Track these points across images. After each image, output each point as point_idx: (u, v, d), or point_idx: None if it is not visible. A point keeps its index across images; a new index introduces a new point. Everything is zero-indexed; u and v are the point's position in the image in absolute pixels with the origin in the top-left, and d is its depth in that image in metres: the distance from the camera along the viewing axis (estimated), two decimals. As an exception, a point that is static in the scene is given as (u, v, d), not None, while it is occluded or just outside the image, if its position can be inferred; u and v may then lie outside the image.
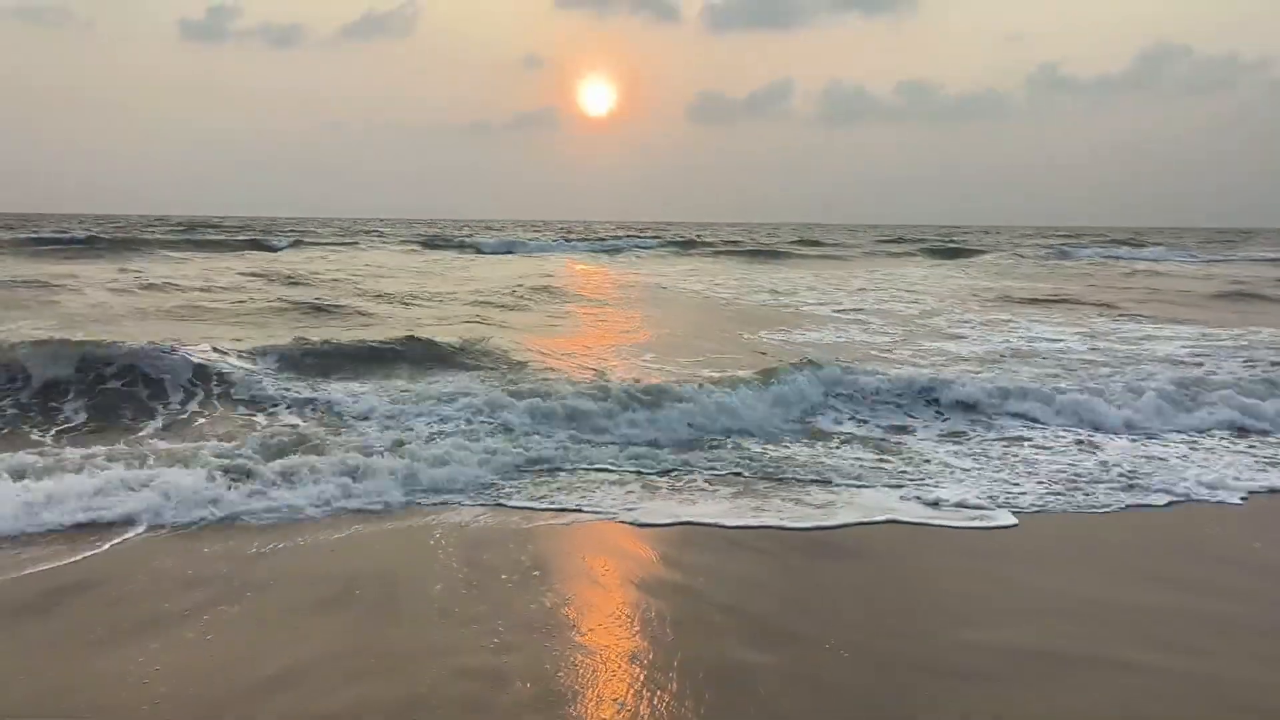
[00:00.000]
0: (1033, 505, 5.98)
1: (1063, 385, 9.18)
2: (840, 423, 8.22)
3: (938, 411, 8.54)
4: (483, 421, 7.51)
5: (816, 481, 6.45)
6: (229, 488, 5.69)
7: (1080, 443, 7.68)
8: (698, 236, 59.55)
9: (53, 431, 7.21)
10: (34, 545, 4.95)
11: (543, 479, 6.39)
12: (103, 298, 16.44)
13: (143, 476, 5.72)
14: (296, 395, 8.14)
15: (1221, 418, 8.33)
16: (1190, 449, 7.52)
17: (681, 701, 3.45)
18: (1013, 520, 5.70)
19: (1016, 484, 6.44)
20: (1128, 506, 6.01)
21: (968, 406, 8.59)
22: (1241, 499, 6.24)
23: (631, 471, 6.60)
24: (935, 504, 5.97)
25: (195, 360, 8.44)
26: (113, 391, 7.90)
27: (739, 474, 6.60)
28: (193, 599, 4.31)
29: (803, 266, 34.21)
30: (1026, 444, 7.64)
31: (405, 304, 16.98)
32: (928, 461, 7.04)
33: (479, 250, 40.18)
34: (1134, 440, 7.77)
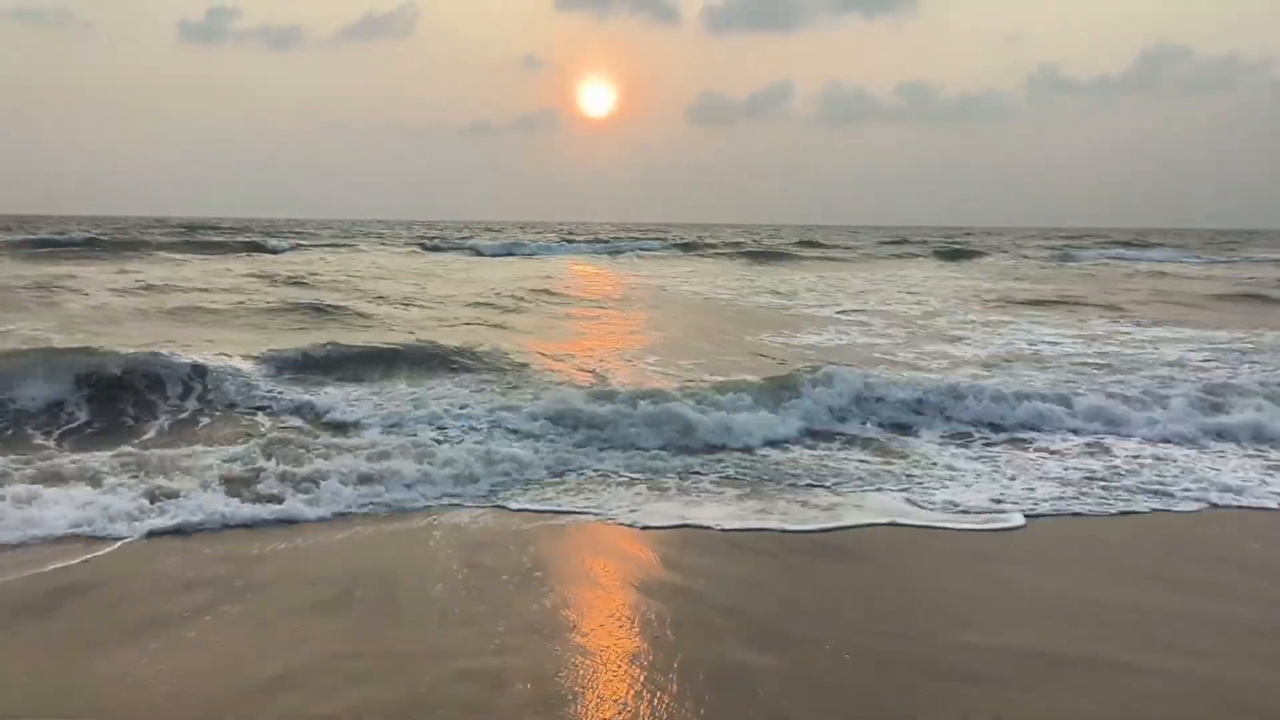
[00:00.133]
0: (1034, 507, 5.98)
1: (1079, 389, 9.08)
2: (846, 424, 8.14)
3: (945, 415, 8.42)
4: (485, 426, 7.48)
5: (819, 484, 6.45)
6: (233, 493, 5.68)
7: (1087, 446, 7.61)
8: (699, 238, 59.59)
9: (56, 434, 7.19)
10: (35, 546, 4.95)
11: (547, 482, 6.38)
12: (103, 299, 16.44)
13: (145, 487, 5.73)
14: (298, 399, 8.13)
15: (1246, 419, 8.08)
16: (1200, 452, 7.45)
17: (682, 703, 3.45)
18: (1014, 523, 5.70)
19: (1020, 487, 6.42)
20: (1129, 510, 5.99)
21: (978, 410, 8.39)
22: (1265, 505, 6.15)
23: (634, 475, 6.58)
24: (936, 506, 5.97)
25: (197, 365, 8.42)
26: (116, 397, 7.86)
27: (742, 477, 6.60)
28: (193, 600, 4.32)
29: (804, 268, 34.23)
30: (1031, 447, 7.60)
31: (406, 306, 16.98)
32: (932, 464, 7.03)
33: (479, 252, 40.20)
34: (1142, 444, 7.69)
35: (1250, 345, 13.25)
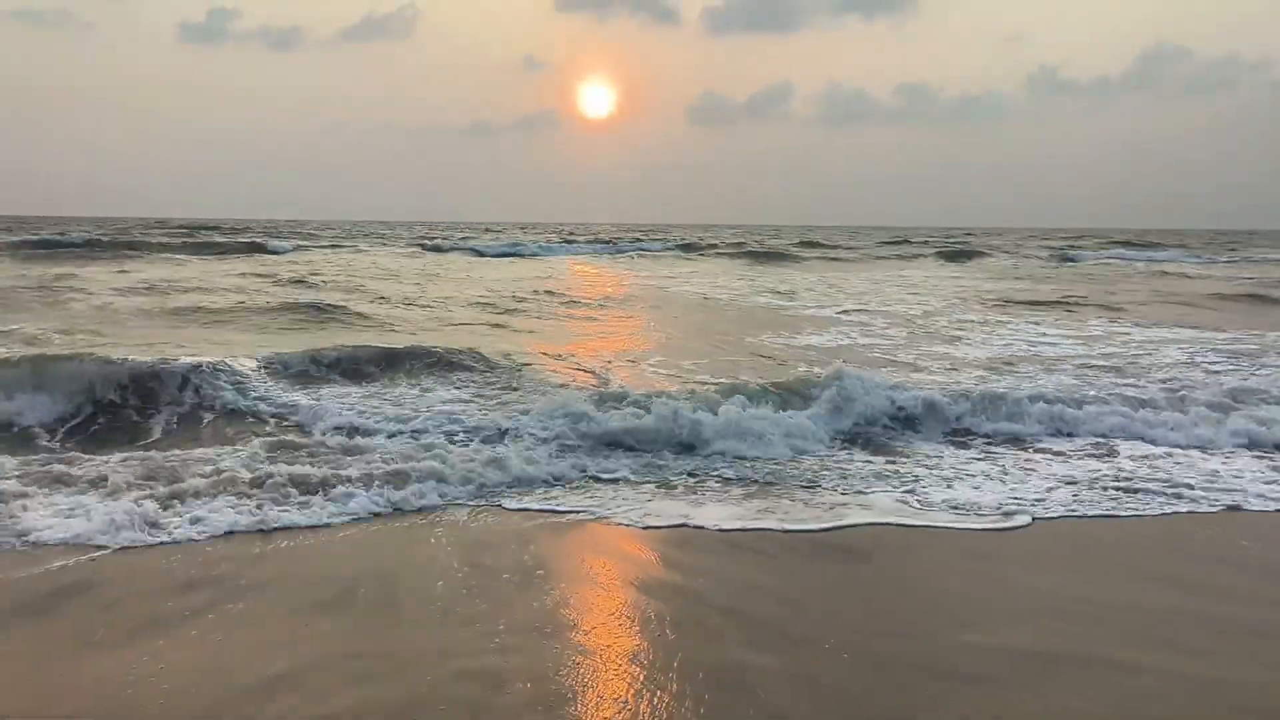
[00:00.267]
0: (1036, 508, 5.97)
1: (1081, 391, 9.06)
2: (857, 427, 8.02)
3: (952, 416, 8.25)
4: (489, 428, 7.41)
5: (821, 484, 6.46)
6: (236, 498, 5.68)
7: (1093, 448, 7.58)
8: (699, 239, 59.59)
9: (58, 438, 7.19)
10: (35, 546, 4.95)
11: (548, 483, 6.37)
12: (104, 300, 16.46)
13: (147, 493, 5.72)
14: (301, 402, 8.10)
15: (1255, 422, 7.98)
16: (1206, 454, 7.39)
17: (681, 702, 3.45)
18: (1015, 523, 5.70)
19: (1024, 488, 6.40)
20: (1133, 513, 5.97)
21: (990, 415, 8.22)
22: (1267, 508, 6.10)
23: (636, 477, 6.56)
24: (937, 506, 5.97)
25: (199, 368, 8.40)
26: (118, 401, 7.84)
27: (743, 478, 6.60)
28: (193, 600, 4.32)
29: (805, 268, 34.24)
30: (1033, 448, 7.58)
31: (408, 307, 16.99)
32: (935, 465, 7.02)
33: (480, 253, 40.21)
34: (1150, 446, 7.62)
35: (1255, 346, 13.21)
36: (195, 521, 5.30)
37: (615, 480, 6.49)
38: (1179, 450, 7.52)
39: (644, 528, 5.50)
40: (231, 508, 5.50)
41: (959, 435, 7.98)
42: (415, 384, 9.19)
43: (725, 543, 5.30)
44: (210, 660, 3.75)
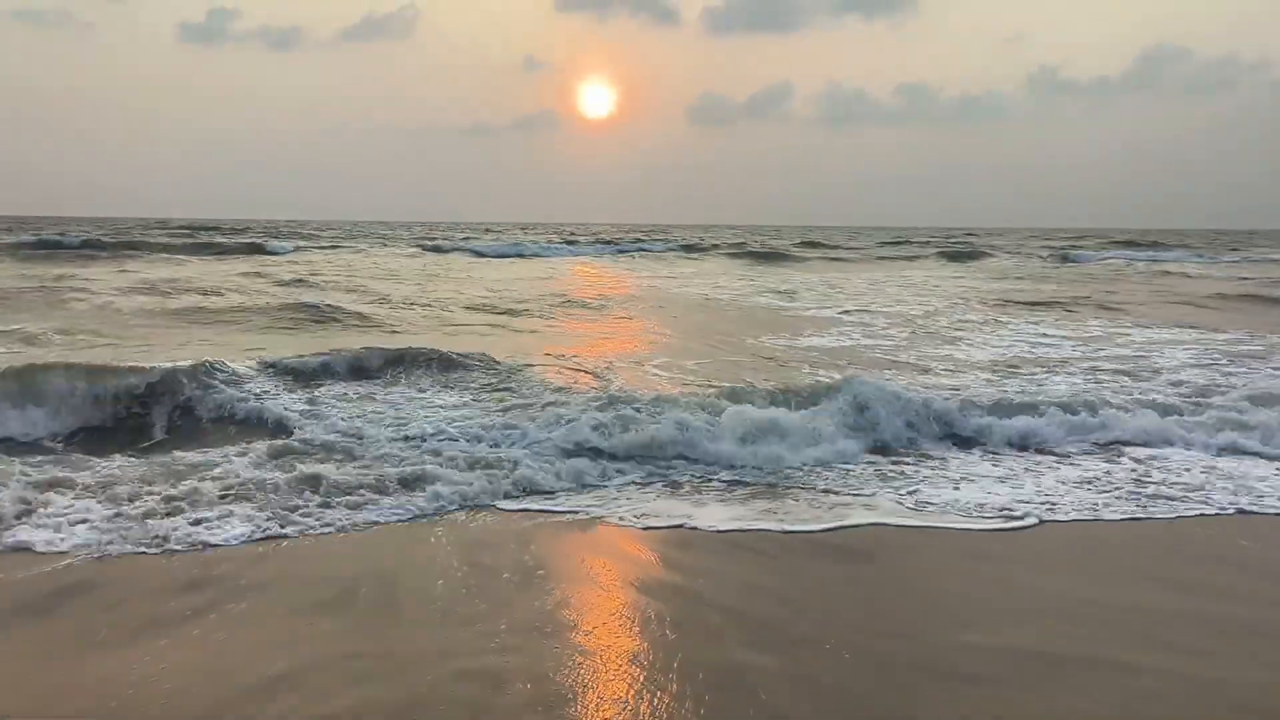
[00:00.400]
0: (1037, 509, 5.97)
1: (1088, 394, 8.92)
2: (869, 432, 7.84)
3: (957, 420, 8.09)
4: (491, 430, 7.33)
5: (823, 484, 6.45)
6: (239, 502, 5.67)
7: (1100, 449, 7.52)
8: (700, 239, 59.62)
9: (61, 442, 7.16)
10: (35, 548, 4.95)
11: (549, 482, 6.36)
12: (104, 301, 16.47)
13: (149, 497, 5.70)
14: (303, 406, 8.07)
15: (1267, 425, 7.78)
16: (1217, 457, 7.31)
17: (682, 703, 3.45)
18: (1015, 524, 5.69)
19: (1029, 490, 6.37)
20: (1136, 517, 5.94)
21: (999, 417, 7.97)
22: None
23: (639, 479, 6.53)
24: (940, 507, 5.96)
25: (201, 370, 8.37)
26: (119, 404, 7.81)
27: (744, 479, 6.58)
28: (193, 600, 4.32)
29: (806, 268, 34.27)
30: (1044, 451, 7.50)
31: (410, 308, 17.00)
32: (941, 467, 6.99)
33: (480, 253, 40.23)
34: (1158, 451, 7.50)
35: (1259, 347, 13.16)
36: (198, 523, 5.28)
37: (619, 480, 6.48)
38: (1188, 453, 7.43)
39: (644, 528, 5.50)
40: (236, 514, 5.45)
41: (969, 440, 7.80)
42: (416, 385, 9.18)
43: (726, 543, 5.30)
44: (211, 660, 3.75)
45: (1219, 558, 5.21)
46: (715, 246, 48.63)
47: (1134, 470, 6.93)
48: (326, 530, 5.36)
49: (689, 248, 47.09)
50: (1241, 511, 6.00)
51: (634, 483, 6.46)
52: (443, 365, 9.84)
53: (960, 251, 46.00)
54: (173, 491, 5.77)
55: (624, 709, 3.42)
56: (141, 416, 7.72)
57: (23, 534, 5.09)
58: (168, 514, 5.43)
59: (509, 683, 3.59)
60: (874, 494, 6.25)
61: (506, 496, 6.07)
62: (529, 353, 11.34)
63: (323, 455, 6.67)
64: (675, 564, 4.94)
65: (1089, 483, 6.56)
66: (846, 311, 17.97)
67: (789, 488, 6.37)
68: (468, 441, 7.14)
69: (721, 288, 24.05)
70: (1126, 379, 10.41)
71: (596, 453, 6.96)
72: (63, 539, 5.04)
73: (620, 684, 3.60)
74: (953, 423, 7.88)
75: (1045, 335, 14.60)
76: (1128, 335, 14.68)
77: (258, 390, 8.34)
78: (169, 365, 8.34)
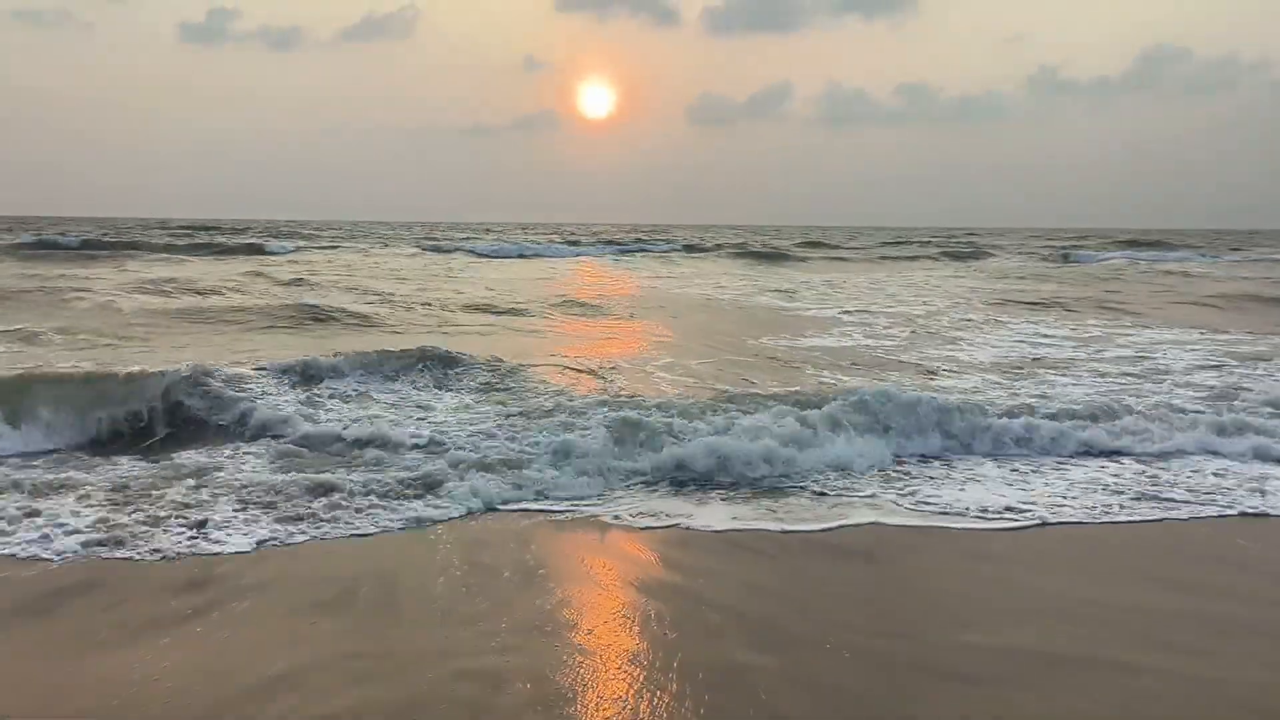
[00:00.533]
0: (1045, 512, 5.95)
1: (1092, 396, 8.91)
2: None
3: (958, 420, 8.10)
4: (494, 433, 7.29)
5: (823, 484, 6.45)
6: (240, 506, 5.67)
7: (1099, 452, 7.45)
8: (701, 239, 59.63)
9: (62, 445, 7.15)
10: (38, 548, 4.95)
11: (548, 483, 6.35)
12: (104, 301, 16.48)
13: (150, 501, 5.70)
14: (304, 409, 8.04)
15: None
16: (1224, 460, 7.24)
17: (681, 702, 3.45)
18: (1021, 524, 5.69)
19: (1032, 491, 6.36)
20: (1138, 519, 5.92)
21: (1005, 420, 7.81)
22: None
23: (641, 480, 6.51)
24: (941, 507, 5.96)
25: (201, 372, 8.36)
26: (120, 407, 7.79)
27: (745, 480, 6.57)
28: (193, 600, 4.32)
29: (808, 269, 34.26)
30: (1038, 449, 7.47)
31: (410, 309, 16.99)
32: (944, 467, 6.98)
33: (481, 254, 40.25)
34: (1168, 454, 7.40)
35: (1265, 348, 13.09)
36: (199, 525, 5.28)
37: (621, 481, 6.46)
38: (1195, 455, 7.36)
39: (644, 528, 5.50)
40: (236, 516, 5.44)
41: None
42: (417, 386, 9.18)
43: (726, 542, 5.30)
44: (212, 660, 3.75)
45: (1219, 558, 5.21)
46: (718, 246, 48.63)
47: (1136, 471, 6.89)
48: (327, 531, 5.36)
49: (690, 248, 47.08)
50: (1243, 514, 5.99)
51: (636, 483, 6.46)
52: (443, 365, 9.83)
53: (961, 251, 45.98)
54: (173, 493, 5.78)
55: (624, 709, 3.42)
56: (142, 418, 7.71)
57: (23, 535, 5.09)
58: (168, 516, 5.43)
59: (509, 682, 3.59)
60: (874, 493, 6.25)
61: (507, 498, 6.07)
62: (530, 353, 11.33)
63: (323, 456, 6.67)
64: (675, 564, 4.94)
65: (1093, 484, 6.51)
66: (848, 311, 17.97)
67: (789, 487, 6.37)
68: (469, 441, 7.13)
69: (723, 288, 24.05)
70: (1136, 381, 10.34)
71: (594, 449, 6.83)
72: (63, 540, 5.04)
73: (620, 683, 3.61)
74: (1000, 437, 7.59)
75: (1047, 335, 14.60)
76: (1129, 335, 14.67)
77: (258, 391, 8.33)
78: (169, 367, 8.34)
